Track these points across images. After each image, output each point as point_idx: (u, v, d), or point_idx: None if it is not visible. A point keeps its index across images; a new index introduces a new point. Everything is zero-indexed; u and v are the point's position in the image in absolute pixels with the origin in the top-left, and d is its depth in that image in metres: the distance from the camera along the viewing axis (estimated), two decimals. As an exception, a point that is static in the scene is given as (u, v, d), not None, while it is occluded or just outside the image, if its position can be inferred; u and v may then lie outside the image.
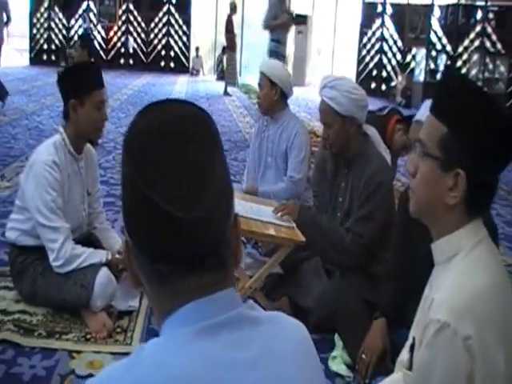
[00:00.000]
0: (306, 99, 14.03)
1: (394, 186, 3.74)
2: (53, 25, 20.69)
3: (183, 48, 20.62)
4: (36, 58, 20.59)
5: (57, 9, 20.48)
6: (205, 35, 21.42)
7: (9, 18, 10.85)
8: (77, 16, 20.43)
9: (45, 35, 20.80)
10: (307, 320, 2.46)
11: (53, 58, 20.44)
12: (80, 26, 19.87)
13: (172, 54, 20.72)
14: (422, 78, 14.76)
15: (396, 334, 2.53)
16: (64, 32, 20.60)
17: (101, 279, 2.89)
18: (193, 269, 0.84)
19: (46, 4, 20.35)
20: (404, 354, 1.62)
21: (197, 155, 0.84)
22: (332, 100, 2.93)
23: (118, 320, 2.99)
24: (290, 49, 18.92)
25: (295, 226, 3.09)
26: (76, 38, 18.96)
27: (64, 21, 20.62)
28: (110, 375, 0.85)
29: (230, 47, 14.18)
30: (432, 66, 14.84)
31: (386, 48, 17.12)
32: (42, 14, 20.67)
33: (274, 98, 3.92)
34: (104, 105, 3.08)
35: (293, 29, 18.74)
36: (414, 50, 15.98)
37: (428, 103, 1.77)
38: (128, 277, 0.94)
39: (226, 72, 14.41)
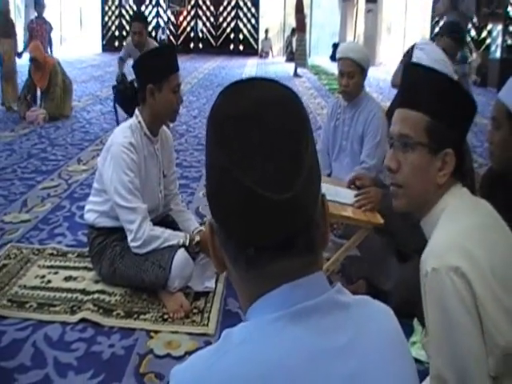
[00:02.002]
0: (377, 79, 13.79)
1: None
2: (123, 12, 21.07)
3: (252, 30, 20.64)
4: (108, 45, 21.04)
5: (128, -4, 20.86)
6: (273, 17, 21.34)
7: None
8: (147, 2, 20.73)
9: (116, 22, 21.23)
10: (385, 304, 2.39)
11: (124, 44, 20.84)
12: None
13: (241, 36, 20.78)
14: (498, 54, 14.18)
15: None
16: (135, 18, 20.91)
17: (178, 260, 2.90)
18: (282, 252, 0.80)
19: (117, -9, 20.76)
20: None
21: (287, 135, 0.80)
22: (418, 60, 2.82)
23: (194, 301, 2.99)
24: (360, 28, 18.64)
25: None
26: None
27: (134, 7, 20.95)
28: (198, 363, 0.82)
29: (300, 28, 14.05)
30: (509, 41, 14.24)
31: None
32: (113, 2, 21.09)
33: (363, 83, 3.80)
34: (180, 88, 3.09)
35: (362, 7, 18.53)
36: (489, 26, 15.36)
37: None
38: (212, 261, 0.90)
39: (296, 53, 14.30)
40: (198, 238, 3.04)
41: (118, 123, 6.79)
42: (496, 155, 2.22)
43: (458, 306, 1.36)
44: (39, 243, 3.72)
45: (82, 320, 2.80)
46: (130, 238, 2.95)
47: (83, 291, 3.08)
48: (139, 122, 3.07)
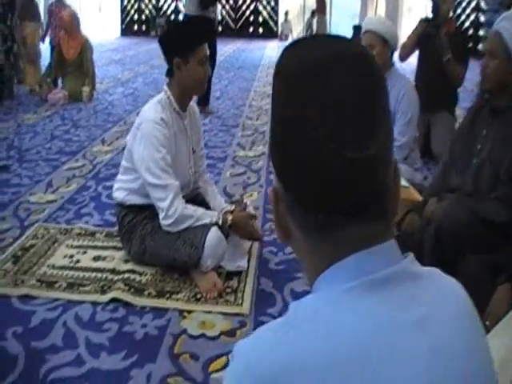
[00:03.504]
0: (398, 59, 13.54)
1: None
2: (143, -5, 21.00)
3: (271, 13, 20.43)
4: (127, 29, 20.97)
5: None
6: (293, -1, 21.10)
7: None
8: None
9: (135, 6, 21.14)
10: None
11: (143, 28, 20.80)
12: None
13: (260, 19, 20.57)
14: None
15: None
16: (154, 2, 20.84)
17: (211, 239, 2.82)
18: (354, 218, 0.74)
19: (136, -25, 20.65)
20: None
21: (365, 90, 0.74)
22: (508, 31, 2.66)
23: (226, 280, 2.91)
24: (381, 9, 18.37)
25: (410, 186, 2.92)
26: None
27: (153, -10, 20.87)
28: (266, 337, 0.75)
29: (320, 10, 13.88)
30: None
31: (482, 5, 16.24)
32: (132, -14, 21.01)
33: (387, 56, 3.70)
34: (207, 60, 2.99)
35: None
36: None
37: None
38: (275, 229, 0.85)
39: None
40: (230, 218, 2.95)
41: None
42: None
43: None
44: (66, 223, 3.65)
45: (113, 300, 2.73)
46: (161, 215, 2.87)
47: (113, 271, 3.01)
48: (168, 98, 2.99)
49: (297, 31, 20.60)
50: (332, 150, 0.70)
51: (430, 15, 5.04)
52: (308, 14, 18.90)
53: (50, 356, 2.32)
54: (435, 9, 4.91)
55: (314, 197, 0.73)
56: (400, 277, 0.75)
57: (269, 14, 20.49)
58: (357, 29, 19.29)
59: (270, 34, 20.06)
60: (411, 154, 3.92)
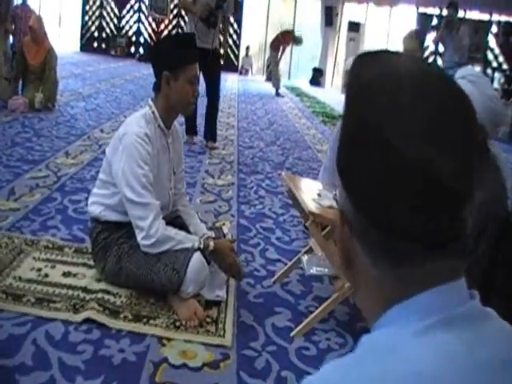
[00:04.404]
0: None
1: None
2: (104, 13, 20.85)
3: (233, 46, 20.49)
4: (87, 45, 20.73)
5: (109, -2, 20.65)
6: (255, 35, 21.26)
7: None
8: (128, 7, 20.57)
9: (96, 23, 20.95)
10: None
11: (103, 46, 20.60)
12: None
13: (222, 51, 20.63)
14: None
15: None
16: (115, 21, 20.72)
17: (194, 264, 2.69)
18: (434, 250, 0.69)
19: (99, -8, 20.55)
20: None
21: (459, 111, 0.70)
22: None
23: (206, 309, 2.78)
24: (341, 55, 18.73)
25: None
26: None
27: (116, 10, 20.75)
28: (334, 373, 0.70)
29: (274, 47, 14.17)
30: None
31: (439, 62, 16.78)
32: (94, 2, 20.84)
33: None
34: (196, 80, 2.91)
35: (344, 34, 18.64)
36: (468, 67, 15.52)
37: None
38: (337, 253, 0.79)
39: (273, 72, 14.39)
40: (212, 244, 2.84)
41: None
42: None
43: None
44: (32, 234, 3.45)
45: (86, 320, 2.56)
46: (140, 235, 2.73)
47: (85, 289, 2.84)
48: (153, 113, 2.88)
49: (256, 67, 20.75)
50: (430, 177, 0.65)
51: None
52: (269, 52, 19.06)
53: (21, 377, 2.14)
54: None
55: (397, 223, 0.67)
56: (473, 315, 0.72)
57: (230, 47, 20.56)
58: (316, 71, 19.61)
59: (231, 67, 20.09)
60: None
